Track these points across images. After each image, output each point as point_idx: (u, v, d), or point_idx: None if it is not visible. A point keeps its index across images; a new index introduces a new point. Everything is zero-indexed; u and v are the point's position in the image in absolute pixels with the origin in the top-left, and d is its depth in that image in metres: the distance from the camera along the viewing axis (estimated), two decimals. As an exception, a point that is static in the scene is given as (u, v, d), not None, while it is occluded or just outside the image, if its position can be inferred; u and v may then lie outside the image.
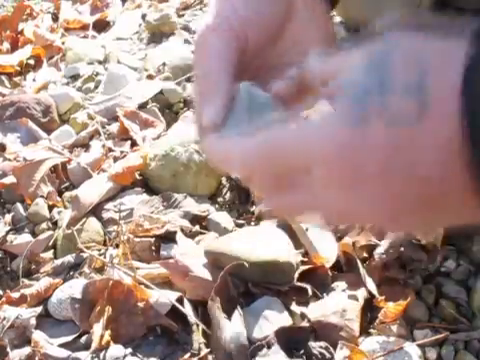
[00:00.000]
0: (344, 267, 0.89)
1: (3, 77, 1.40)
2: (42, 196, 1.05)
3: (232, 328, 0.80)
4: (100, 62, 1.40)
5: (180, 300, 0.85)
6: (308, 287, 0.85)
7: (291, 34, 0.53)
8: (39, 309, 0.89)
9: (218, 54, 0.49)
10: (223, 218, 0.97)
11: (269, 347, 0.80)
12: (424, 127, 0.33)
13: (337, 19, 1.30)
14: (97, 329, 0.83)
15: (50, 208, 1.05)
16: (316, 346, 0.79)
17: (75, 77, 1.36)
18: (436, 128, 0.33)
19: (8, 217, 1.05)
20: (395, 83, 0.34)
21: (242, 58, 0.50)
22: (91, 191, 1.03)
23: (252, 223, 0.98)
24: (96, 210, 1.02)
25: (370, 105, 0.34)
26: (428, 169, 0.33)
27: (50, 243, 1.00)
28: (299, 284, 0.85)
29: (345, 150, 0.35)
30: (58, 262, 0.96)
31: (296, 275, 0.86)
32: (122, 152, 1.12)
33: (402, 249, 0.87)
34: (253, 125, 0.43)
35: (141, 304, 0.84)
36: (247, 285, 0.86)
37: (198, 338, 0.82)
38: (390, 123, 0.33)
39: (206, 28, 0.50)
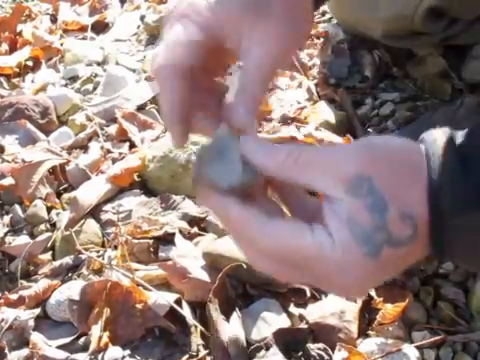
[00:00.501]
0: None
1: (1, 78, 1.40)
2: (40, 197, 1.05)
3: (230, 330, 0.80)
4: (99, 63, 1.40)
5: (178, 302, 0.85)
6: (306, 289, 0.85)
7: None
8: (37, 311, 0.89)
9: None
10: (221, 220, 0.97)
11: (267, 349, 0.80)
12: (415, 245, 0.45)
13: (334, 21, 1.30)
14: (95, 331, 0.83)
15: (48, 210, 1.05)
16: (314, 348, 0.79)
17: (74, 78, 1.36)
18: (423, 243, 0.45)
19: (6, 218, 1.05)
20: (391, 212, 0.44)
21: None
22: (89, 192, 1.03)
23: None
24: (94, 212, 1.02)
25: (379, 238, 0.44)
26: (417, 259, 0.47)
27: (48, 245, 0.99)
28: (297, 286, 0.85)
29: (366, 279, 0.46)
30: (56, 264, 0.96)
31: (294, 277, 0.86)
32: (121, 154, 1.12)
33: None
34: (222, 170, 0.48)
35: (139, 306, 0.84)
36: (245, 287, 0.86)
37: (196, 340, 0.82)
38: (395, 246, 0.44)
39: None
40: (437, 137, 0.47)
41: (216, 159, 0.49)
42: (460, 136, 0.47)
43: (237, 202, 0.48)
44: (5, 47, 1.54)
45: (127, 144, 1.14)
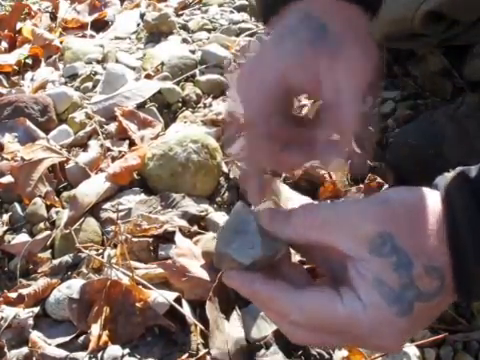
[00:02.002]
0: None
1: (1, 76, 1.40)
2: (40, 196, 1.05)
3: (230, 328, 0.80)
4: (98, 61, 1.39)
5: (178, 300, 0.85)
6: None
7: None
8: (37, 309, 0.88)
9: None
10: (222, 218, 0.97)
11: (267, 348, 0.79)
12: (445, 294, 0.45)
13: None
14: (95, 329, 0.83)
15: (48, 208, 1.05)
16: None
17: (73, 76, 1.36)
18: (451, 291, 0.46)
19: (6, 217, 1.05)
20: (416, 267, 0.44)
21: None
22: (89, 191, 1.03)
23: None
24: (94, 210, 1.02)
25: (409, 296, 0.44)
26: (445, 307, 0.48)
27: (48, 243, 0.99)
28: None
29: (401, 336, 0.46)
30: (56, 262, 0.96)
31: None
32: (120, 152, 1.12)
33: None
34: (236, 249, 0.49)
35: (139, 304, 0.84)
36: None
37: (196, 338, 0.82)
38: (426, 300, 0.45)
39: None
40: (452, 183, 0.46)
41: (236, 237, 0.50)
42: (474, 175, 0.46)
43: (262, 277, 0.48)
44: (5, 45, 1.54)
45: (127, 142, 1.14)
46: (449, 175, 0.48)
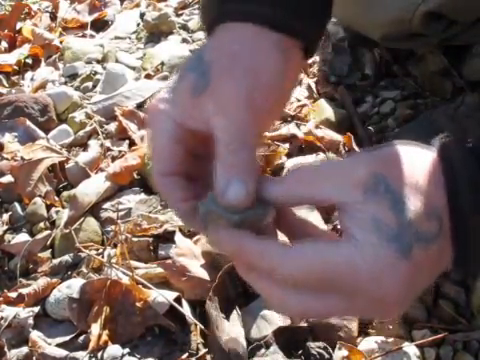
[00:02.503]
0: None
1: (1, 76, 1.40)
2: (40, 195, 1.05)
3: (230, 328, 0.80)
4: (98, 61, 1.39)
5: (178, 300, 0.85)
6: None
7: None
8: (37, 309, 0.88)
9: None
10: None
11: (267, 347, 0.79)
12: (444, 242, 0.44)
13: (334, 19, 1.30)
14: (95, 329, 0.83)
15: (48, 208, 1.05)
16: (314, 346, 0.79)
17: (73, 76, 1.36)
18: (449, 241, 0.44)
19: (6, 216, 1.05)
20: (414, 208, 0.43)
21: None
22: (89, 191, 1.03)
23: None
24: (94, 210, 1.02)
25: (408, 235, 0.43)
26: (446, 263, 0.46)
27: (48, 243, 0.99)
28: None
29: (402, 285, 0.44)
30: (56, 262, 0.96)
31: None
32: (120, 151, 1.12)
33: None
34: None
35: (139, 304, 0.84)
36: (245, 285, 0.86)
37: (196, 338, 0.82)
38: (425, 243, 0.43)
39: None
40: (446, 140, 0.46)
41: None
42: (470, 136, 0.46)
43: (250, 233, 0.46)
44: (4, 45, 1.54)
45: (127, 142, 1.14)
46: (441, 136, 0.47)
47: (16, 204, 1.06)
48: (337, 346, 0.79)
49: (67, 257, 0.96)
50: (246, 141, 0.47)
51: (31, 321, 0.87)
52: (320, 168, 0.47)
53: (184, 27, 1.49)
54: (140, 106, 1.21)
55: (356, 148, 1.03)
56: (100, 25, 1.57)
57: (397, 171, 0.44)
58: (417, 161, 0.45)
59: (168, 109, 0.50)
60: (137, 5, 1.62)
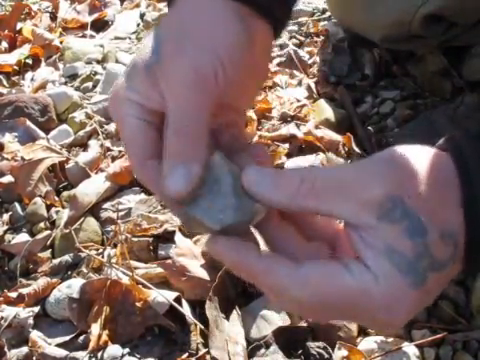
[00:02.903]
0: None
1: (1, 76, 1.40)
2: (40, 195, 1.05)
3: (230, 328, 0.80)
4: (98, 61, 1.39)
5: (178, 300, 0.85)
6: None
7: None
8: (37, 309, 0.88)
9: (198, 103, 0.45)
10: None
11: (267, 347, 0.79)
12: (455, 265, 0.42)
13: (334, 20, 1.30)
14: (95, 329, 0.83)
15: (48, 208, 1.05)
16: (314, 346, 0.79)
17: (73, 76, 1.36)
18: (459, 259, 0.43)
19: (6, 217, 1.05)
20: (431, 233, 0.40)
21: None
22: (89, 191, 1.03)
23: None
24: (94, 210, 1.02)
25: (423, 266, 0.41)
26: (452, 277, 0.44)
27: (48, 243, 0.99)
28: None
29: (412, 310, 0.43)
30: (56, 262, 0.96)
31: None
32: (120, 151, 1.12)
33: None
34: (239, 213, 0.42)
35: (139, 304, 0.84)
36: (245, 285, 0.86)
37: (196, 338, 0.82)
38: (439, 270, 0.41)
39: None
40: (462, 144, 0.44)
41: (208, 196, 0.43)
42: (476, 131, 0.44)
43: (254, 247, 0.43)
44: (5, 45, 1.54)
45: (127, 142, 1.14)
46: (456, 135, 0.45)
47: (16, 204, 1.07)
48: (337, 346, 0.79)
49: (67, 257, 0.96)
50: (191, 124, 0.44)
51: (31, 321, 0.87)
52: (328, 180, 0.43)
53: (184, 27, 1.49)
54: (140, 106, 1.21)
55: (356, 148, 1.03)
56: (100, 25, 1.57)
57: (414, 191, 0.41)
58: (435, 174, 0.42)
59: (128, 94, 0.48)
60: (137, 5, 1.62)
